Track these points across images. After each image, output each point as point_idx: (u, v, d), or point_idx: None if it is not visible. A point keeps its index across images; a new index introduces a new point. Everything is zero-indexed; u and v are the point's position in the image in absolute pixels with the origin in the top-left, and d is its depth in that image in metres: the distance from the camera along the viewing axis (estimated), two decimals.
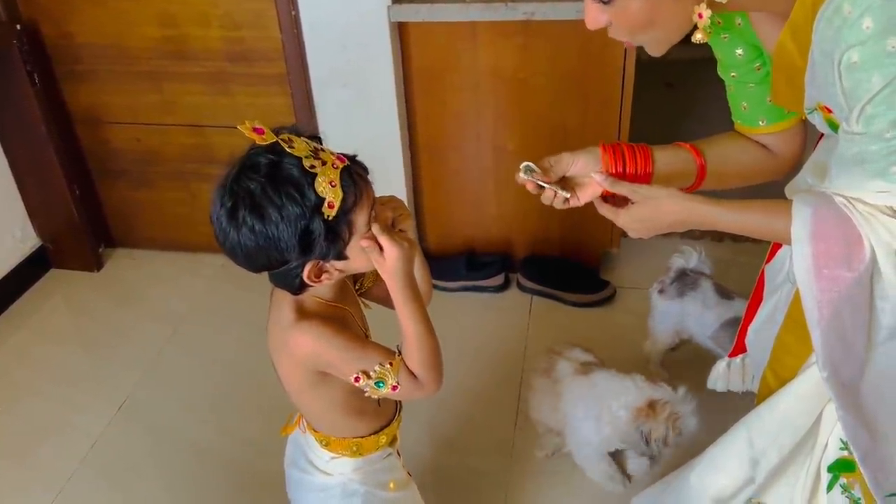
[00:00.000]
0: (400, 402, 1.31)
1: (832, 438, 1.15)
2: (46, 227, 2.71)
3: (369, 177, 1.04)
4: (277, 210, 0.95)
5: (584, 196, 1.19)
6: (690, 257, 1.98)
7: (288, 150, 0.96)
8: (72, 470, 2.00)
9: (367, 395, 1.08)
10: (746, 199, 1.09)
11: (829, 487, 1.17)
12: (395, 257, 1.02)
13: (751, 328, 1.38)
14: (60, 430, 2.13)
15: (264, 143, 0.96)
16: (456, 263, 2.53)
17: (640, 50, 2.31)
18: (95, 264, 2.75)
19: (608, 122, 2.26)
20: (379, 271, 1.05)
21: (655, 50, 1.05)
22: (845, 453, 1.14)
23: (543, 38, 2.14)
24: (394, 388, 1.08)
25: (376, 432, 1.24)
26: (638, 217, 1.11)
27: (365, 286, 1.24)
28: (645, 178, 1.19)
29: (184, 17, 2.32)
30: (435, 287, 2.53)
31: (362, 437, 1.22)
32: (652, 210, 1.10)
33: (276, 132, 0.97)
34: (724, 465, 1.28)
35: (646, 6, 0.95)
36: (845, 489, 1.16)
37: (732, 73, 1.17)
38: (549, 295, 2.47)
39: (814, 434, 1.17)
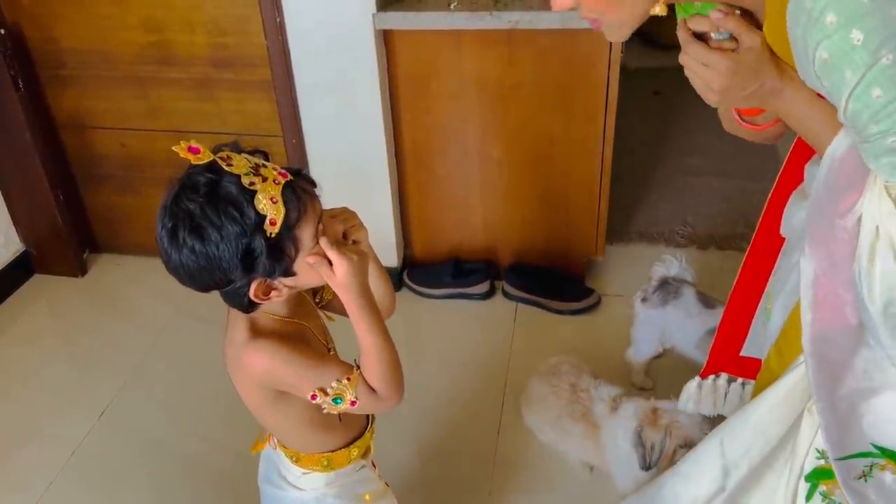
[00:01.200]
0: (372, 415, 1.30)
1: (809, 447, 1.15)
2: (30, 233, 2.69)
3: (317, 190, 1.03)
4: (217, 230, 0.93)
5: None
6: (672, 265, 1.99)
7: (226, 168, 0.94)
8: (52, 477, 1.99)
9: (325, 411, 1.07)
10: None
11: (809, 497, 1.16)
12: (345, 271, 1.01)
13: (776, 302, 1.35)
14: (41, 436, 2.12)
15: (201, 163, 0.94)
16: (441, 270, 2.52)
17: (626, 58, 2.34)
18: (80, 270, 2.74)
19: (593, 129, 2.26)
20: (330, 285, 1.03)
21: (617, 34, 1.02)
22: (822, 462, 1.14)
23: (528, 46, 2.15)
24: (352, 403, 1.06)
25: (347, 445, 1.22)
26: (742, 64, 0.96)
27: (325, 299, 1.23)
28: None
29: (169, 23, 2.31)
30: (420, 294, 2.54)
31: (332, 451, 1.21)
32: (756, 61, 0.97)
33: (216, 150, 0.96)
34: (698, 475, 1.28)
35: None
36: (825, 496, 1.15)
37: None
38: (534, 302, 2.47)
39: (789, 445, 1.17)
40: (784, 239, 1.28)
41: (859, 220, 0.94)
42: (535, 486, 1.91)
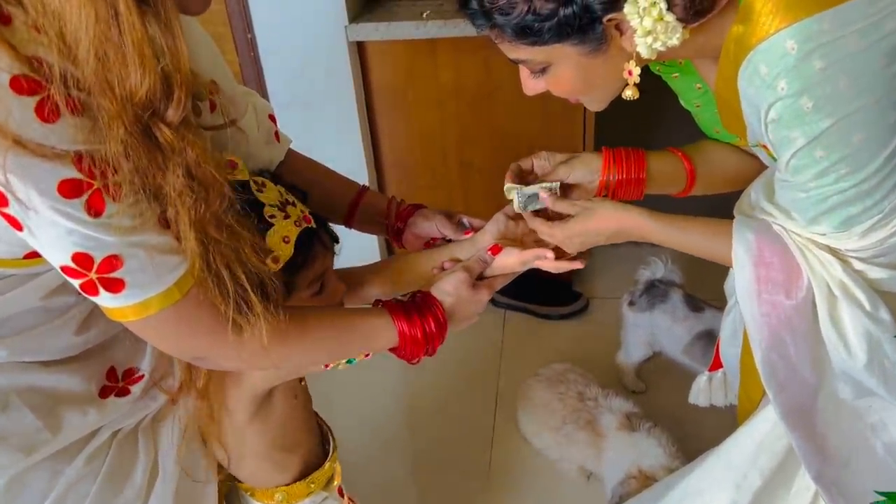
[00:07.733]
0: (333, 443, 1.27)
1: None
2: None
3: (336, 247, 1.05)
4: None
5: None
6: (657, 268, 1.96)
7: (256, 193, 0.94)
8: None
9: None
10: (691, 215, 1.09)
11: None
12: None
13: (721, 345, 1.37)
14: None
15: (236, 179, 0.93)
16: None
17: None
18: None
19: (573, 132, 2.24)
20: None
21: (596, 106, 1.07)
22: None
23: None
24: (366, 356, 1.07)
25: (304, 477, 1.19)
26: (573, 231, 1.10)
27: None
28: (638, 185, 1.19)
29: None
30: None
31: (287, 484, 1.17)
32: (585, 222, 1.09)
33: (256, 173, 0.96)
34: (705, 490, 1.27)
35: (577, 72, 0.95)
36: None
37: (696, 104, 1.17)
38: (523, 309, 2.45)
39: (796, 458, 1.16)
40: None
41: (810, 297, 0.98)
42: (530, 494, 1.89)
